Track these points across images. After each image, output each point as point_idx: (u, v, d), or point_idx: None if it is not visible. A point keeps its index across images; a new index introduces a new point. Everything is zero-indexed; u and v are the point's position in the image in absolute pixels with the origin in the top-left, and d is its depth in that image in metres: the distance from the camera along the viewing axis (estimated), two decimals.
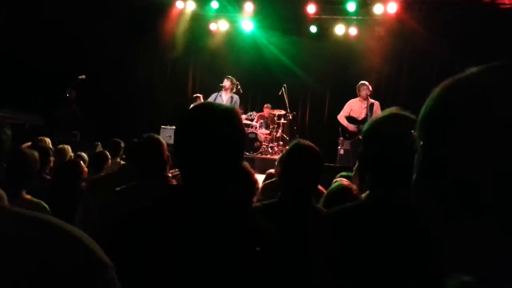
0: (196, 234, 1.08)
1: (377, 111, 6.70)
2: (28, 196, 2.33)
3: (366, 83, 6.81)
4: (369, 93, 6.73)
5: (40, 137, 4.51)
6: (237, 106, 7.54)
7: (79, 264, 0.55)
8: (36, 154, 2.60)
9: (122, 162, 4.07)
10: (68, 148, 4.28)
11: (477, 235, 0.55)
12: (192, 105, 1.27)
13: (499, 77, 0.56)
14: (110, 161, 4.29)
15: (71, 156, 4.25)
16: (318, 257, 1.70)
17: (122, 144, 4.32)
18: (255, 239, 1.15)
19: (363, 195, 3.22)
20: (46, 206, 2.37)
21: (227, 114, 1.17)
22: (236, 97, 7.58)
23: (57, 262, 0.53)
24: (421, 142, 0.61)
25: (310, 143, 2.02)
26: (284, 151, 2.23)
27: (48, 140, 4.49)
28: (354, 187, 2.53)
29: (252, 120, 8.26)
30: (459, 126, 0.55)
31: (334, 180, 3.69)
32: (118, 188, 2.20)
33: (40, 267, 0.52)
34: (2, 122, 0.76)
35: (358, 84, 6.82)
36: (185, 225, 1.09)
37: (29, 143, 4.50)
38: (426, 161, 0.60)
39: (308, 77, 9.27)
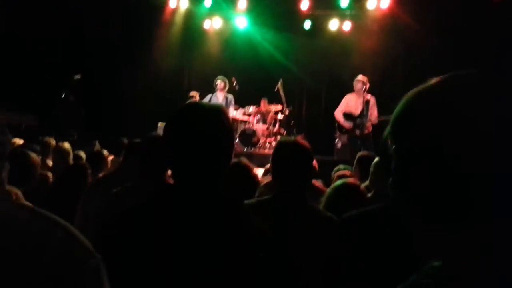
0: (187, 232, 1.09)
1: (373, 107, 6.74)
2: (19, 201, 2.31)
3: (361, 77, 6.81)
4: (364, 87, 6.73)
5: (44, 138, 4.48)
6: (232, 105, 7.58)
7: (67, 249, 0.56)
8: (36, 155, 2.61)
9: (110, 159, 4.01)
10: (68, 146, 4.25)
11: (445, 237, 0.59)
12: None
13: (458, 86, 0.63)
14: (109, 159, 4.29)
15: (71, 153, 4.22)
16: (321, 257, 1.70)
17: (125, 141, 4.28)
18: (246, 236, 1.15)
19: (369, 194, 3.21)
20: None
21: (214, 113, 1.19)
22: (230, 96, 7.62)
23: (47, 247, 0.55)
24: (393, 147, 0.66)
25: (297, 139, 2.00)
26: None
27: (52, 141, 4.47)
28: (359, 183, 2.51)
29: (249, 115, 8.26)
30: (426, 130, 0.60)
31: (334, 174, 3.73)
32: (115, 190, 2.16)
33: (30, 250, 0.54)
34: (1, 125, 0.79)
35: (354, 79, 6.83)
36: (176, 223, 1.10)
37: (21, 142, 4.50)
38: (399, 164, 0.64)
39: (304, 73, 9.28)
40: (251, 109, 8.06)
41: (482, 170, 0.55)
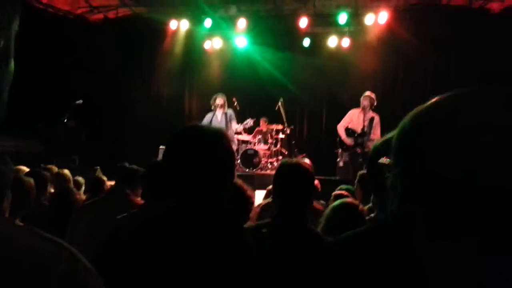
0: (188, 252, 1.09)
1: (377, 126, 6.60)
2: (20, 224, 2.32)
3: (368, 93, 6.70)
4: (369, 104, 6.58)
5: (48, 166, 4.50)
6: (233, 120, 7.55)
7: (73, 271, 0.58)
8: (32, 181, 2.61)
9: (110, 184, 3.99)
10: (67, 172, 4.27)
11: (458, 255, 0.58)
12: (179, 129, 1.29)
13: (463, 103, 0.63)
14: (108, 185, 4.30)
15: (71, 180, 4.23)
16: (316, 280, 1.69)
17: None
18: (247, 257, 1.16)
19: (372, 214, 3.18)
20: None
21: (215, 136, 1.19)
22: (230, 112, 7.56)
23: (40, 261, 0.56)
24: (399, 168, 0.65)
25: (299, 161, 2.02)
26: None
27: (54, 168, 4.49)
28: (358, 203, 2.49)
29: (248, 129, 8.12)
30: (435, 148, 0.60)
31: (334, 193, 3.69)
32: (119, 216, 2.17)
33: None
34: (3, 155, 0.81)
35: (362, 95, 6.74)
36: (178, 244, 1.10)
37: (27, 170, 4.50)
38: (407, 185, 0.63)
39: (304, 91, 9.31)
40: (249, 122, 7.86)
41: (497, 182, 0.55)
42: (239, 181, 2.56)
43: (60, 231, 2.49)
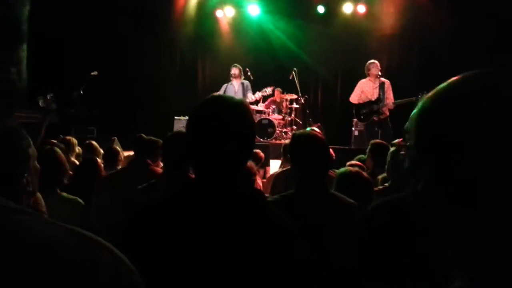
0: (209, 225, 1.10)
1: (389, 90, 6.61)
2: (64, 193, 2.41)
3: (375, 61, 6.70)
4: (379, 71, 6.62)
5: (66, 137, 4.59)
6: (249, 90, 7.52)
7: (111, 269, 0.57)
8: (59, 151, 2.68)
9: (127, 155, 4.04)
10: (95, 143, 4.39)
11: (481, 235, 0.57)
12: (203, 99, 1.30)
13: (493, 79, 0.60)
14: (123, 155, 4.39)
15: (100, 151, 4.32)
16: (350, 243, 1.74)
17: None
18: (273, 229, 1.16)
19: (380, 177, 3.20)
20: (81, 201, 2.46)
21: (238, 107, 1.19)
22: (246, 82, 7.54)
23: (89, 267, 0.55)
24: (420, 152, 0.63)
25: (312, 131, 2.08)
26: (288, 141, 2.25)
27: (74, 140, 4.57)
28: (363, 172, 2.54)
29: (263, 98, 8.09)
30: (462, 128, 0.58)
31: (348, 163, 3.70)
32: (140, 186, 2.22)
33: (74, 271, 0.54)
34: (19, 130, 0.79)
35: (367, 63, 6.71)
36: (199, 216, 1.11)
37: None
38: (433, 168, 0.61)
39: (318, 60, 9.18)
40: (267, 90, 7.81)
41: None
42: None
43: (84, 200, 2.56)
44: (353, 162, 3.69)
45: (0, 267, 0.50)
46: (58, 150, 2.59)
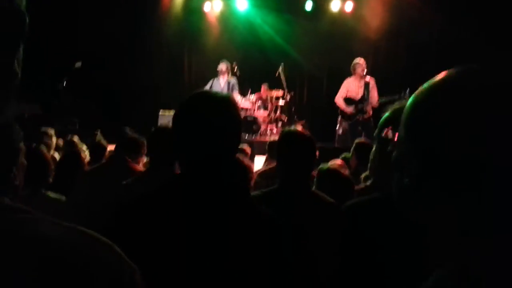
0: (196, 221, 1.10)
1: (373, 89, 6.70)
2: (49, 193, 2.38)
3: (360, 60, 6.76)
4: (364, 70, 6.69)
5: (44, 129, 4.51)
6: (235, 90, 7.53)
7: (114, 268, 0.57)
8: (47, 152, 2.64)
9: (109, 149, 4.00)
10: (77, 140, 4.30)
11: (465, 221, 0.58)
12: (190, 95, 1.29)
13: (470, 78, 0.61)
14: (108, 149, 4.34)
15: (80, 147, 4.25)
16: (329, 242, 1.76)
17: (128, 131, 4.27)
18: (257, 224, 1.18)
19: (362, 176, 3.24)
20: (65, 199, 2.43)
21: (224, 103, 1.20)
22: (233, 81, 7.54)
23: (93, 266, 0.55)
24: (411, 145, 0.63)
25: (300, 129, 2.11)
26: (275, 138, 2.28)
27: (51, 131, 4.50)
28: (344, 169, 2.58)
29: (252, 102, 8.16)
30: (449, 122, 0.58)
31: (331, 162, 3.74)
32: (125, 182, 2.22)
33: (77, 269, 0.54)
34: (11, 121, 0.78)
35: (353, 63, 6.78)
36: (185, 212, 1.12)
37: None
38: (421, 161, 0.62)
39: (305, 57, 9.18)
40: (252, 96, 7.96)
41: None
42: (246, 161, 2.62)
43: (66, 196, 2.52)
44: (336, 161, 3.72)
45: (2, 269, 0.50)
46: (44, 149, 2.55)
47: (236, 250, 1.11)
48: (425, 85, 0.64)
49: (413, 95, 0.65)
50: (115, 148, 3.09)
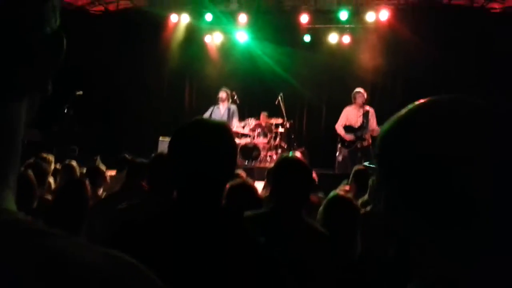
0: (190, 246, 1.10)
1: (372, 118, 6.82)
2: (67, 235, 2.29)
3: (362, 90, 6.92)
4: (364, 100, 6.83)
5: (43, 154, 4.48)
6: (235, 117, 7.60)
7: None
8: (32, 174, 2.60)
9: (110, 175, 3.96)
10: (75, 164, 4.25)
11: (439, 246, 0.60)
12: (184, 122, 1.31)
13: (445, 108, 0.64)
14: (108, 175, 4.30)
15: (81, 173, 4.21)
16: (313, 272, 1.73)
17: (128, 157, 4.27)
18: (249, 253, 1.17)
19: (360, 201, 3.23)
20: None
21: (219, 130, 1.21)
22: (233, 107, 7.63)
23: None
24: (383, 176, 0.66)
25: (297, 156, 2.11)
26: (273, 164, 2.28)
27: (51, 158, 4.47)
28: (350, 196, 2.56)
29: (252, 129, 8.23)
30: (431, 141, 0.61)
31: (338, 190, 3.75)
32: (120, 207, 2.19)
33: None
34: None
35: (353, 92, 6.91)
36: (179, 237, 1.11)
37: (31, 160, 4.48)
38: (393, 192, 0.64)
39: (304, 86, 9.32)
40: (252, 121, 8.04)
41: (484, 180, 0.57)
42: (250, 181, 2.61)
43: (73, 228, 2.46)
44: (345, 186, 3.73)
45: None
46: (30, 173, 2.53)
47: (227, 279, 1.09)
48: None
49: (381, 129, 0.69)
50: (127, 175, 3.04)
